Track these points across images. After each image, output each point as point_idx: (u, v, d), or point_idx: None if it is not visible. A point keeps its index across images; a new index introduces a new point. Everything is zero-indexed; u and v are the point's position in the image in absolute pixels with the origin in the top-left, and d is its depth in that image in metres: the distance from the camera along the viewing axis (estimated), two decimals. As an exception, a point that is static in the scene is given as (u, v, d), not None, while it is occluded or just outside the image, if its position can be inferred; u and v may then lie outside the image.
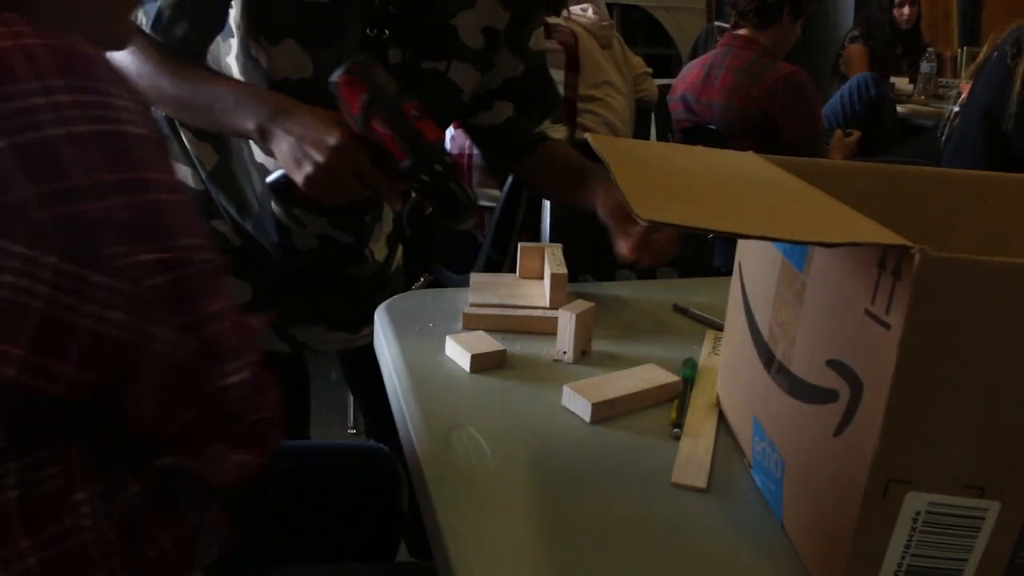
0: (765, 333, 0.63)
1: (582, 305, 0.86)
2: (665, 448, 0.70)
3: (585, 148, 0.75)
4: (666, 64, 4.33)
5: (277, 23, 0.93)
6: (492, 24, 1.03)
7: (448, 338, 0.85)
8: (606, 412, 0.74)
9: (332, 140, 0.84)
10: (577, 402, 0.75)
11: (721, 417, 0.75)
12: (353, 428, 2.19)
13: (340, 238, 1.07)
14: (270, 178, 0.93)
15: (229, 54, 0.97)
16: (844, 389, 0.50)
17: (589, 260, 1.35)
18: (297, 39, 0.93)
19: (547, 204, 1.59)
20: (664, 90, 2.50)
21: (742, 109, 2.11)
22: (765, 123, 2.09)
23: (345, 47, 0.94)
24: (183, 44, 0.93)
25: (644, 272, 1.50)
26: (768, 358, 0.62)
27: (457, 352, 0.83)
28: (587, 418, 0.73)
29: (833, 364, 0.52)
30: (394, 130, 0.84)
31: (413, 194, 0.90)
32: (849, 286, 0.51)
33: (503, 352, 0.84)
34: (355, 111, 0.85)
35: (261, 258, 1.08)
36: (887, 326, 0.46)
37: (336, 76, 0.85)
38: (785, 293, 0.60)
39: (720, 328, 0.90)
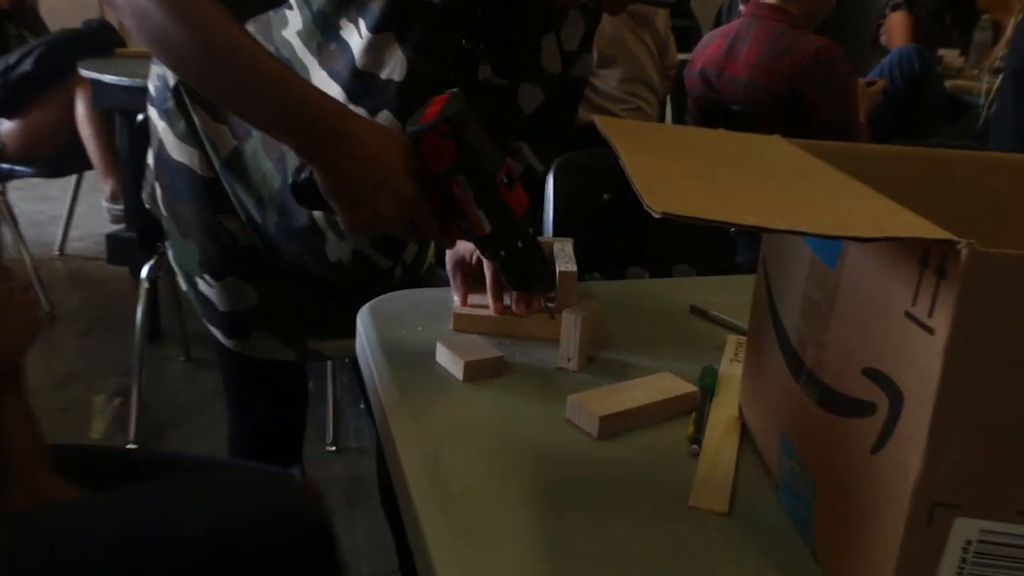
0: (793, 338, 0.63)
1: (589, 307, 0.86)
2: (681, 467, 0.69)
3: (592, 131, 0.75)
4: (684, 37, 4.33)
5: (385, 10, 0.89)
6: (570, 48, 1.04)
7: (439, 343, 0.85)
8: (615, 426, 0.74)
9: (404, 192, 0.80)
10: (583, 415, 0.74)
11: (744, 432, 0.75)
12: (333, 444, 2.19)
13: (378, 260, 1.08)
14: (295, 178, 0.87)
15: (286, 28, 0.95)
16: (882, 401, 0.50)
17: (596, 256, 1.35)
18: (397, 35, 0.90)
19: (549, 195, 1.59)
20: (681, 65, 2.49)
21: (768, 87, 2.11)
22: (794, 103, 2.09)
23: (443, 57, 0.93)
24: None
25: (658, 270, 1.50)
26: (797, 366, 0.62)
27: (449, 359, 0.83)
28: (594, 433, 0.73)
29: (870, 373, 0.52)
30: (480, 202, 0.82)
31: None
32: (887, 286, 0.50)
33: (500, 359, 0.84)
34: (436, 169, 0.81)
35: (273, 261, 1.09)
36: (930, 330, 0.46)
37: (421, 127, 0.80)
38: (815, 293, 0.60)
39: (743, 332, 0.90)
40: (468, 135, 0.80)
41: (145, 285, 2.28)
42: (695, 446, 0.72)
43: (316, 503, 0.93)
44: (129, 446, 2.13)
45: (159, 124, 1.09)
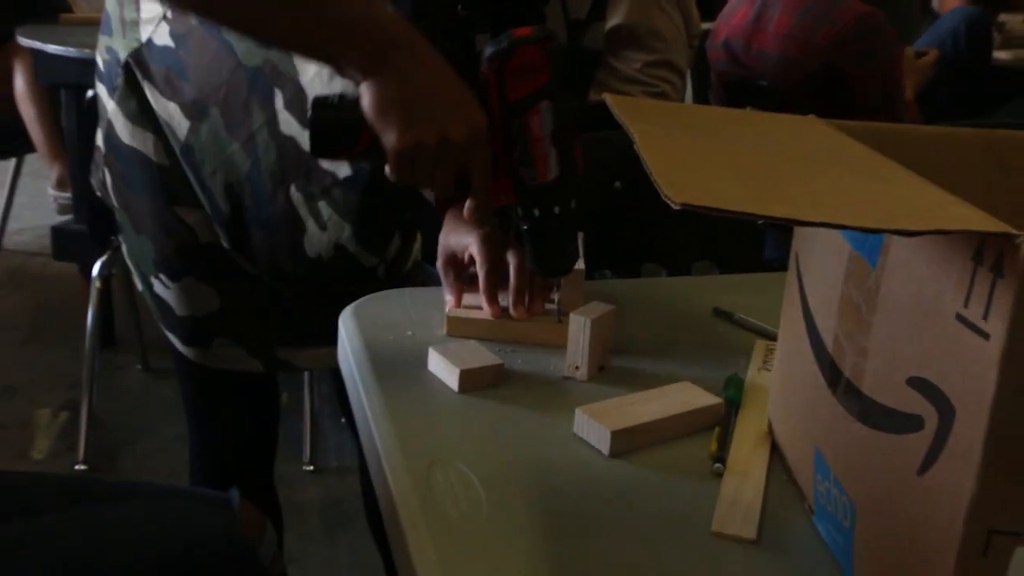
0: (829, 344, 0.63)
1: (599, 308, 0.86)
2: (704, 489, 0.70)
3: (602, 112, 0.75)
4: (707, 3, 4.31)
5: None
6: (578, 16, 1.04)
7: (431, 350, 0.85)
8: (629, 443, 0.74)
9: (475, 119, 0.81)
10: (593, 430, 0.75)
11: (774, 450, 0.75)
12: (310, 464, 2.20)
13: (362, 258, 1.08)
14: (320, 103, 0.84)
15: None
16: (930, 414, 0.50)
17: (607, 252, 1.35)
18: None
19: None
20: (704, 36, 2.48)
21: (801, 61, 2.11)
22: (831, 79, 2.09)
23: (436, 22, 0.94)
24: None
25: (676, 267, 1.50)
26: (833, 375, 0.62)
27: (442, 367, 0.83)
28: (605, 450, 0.74)
29: (916, 383, 0.52)
30: (556, 140, 0.83)
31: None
32: (936, 285, 0.51)
33: (499, 367, 0.84)
34: (517, 95, 0.81)
35: (238, 260, 1.10)
36: (985, 335, 0.46)
37: (519, 40, 0.80)
38: (854, 294, 0.60)
39: (772, 337, 0.90)
40: (558, 65, 0.81)
41: (96, 284, 2.27)
42: (719, 465, 0.72)
43: (246, 533, 0.93)
44: (78, 467, 2.14)
45: (108, 104, 1.10)
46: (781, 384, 0.76)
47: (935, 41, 2.96)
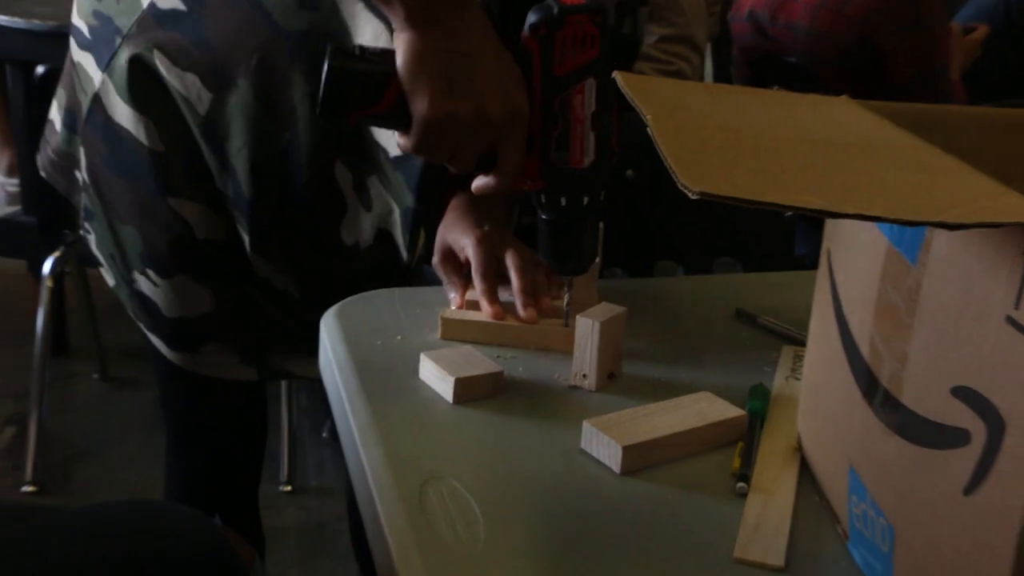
0: (865, 349, 0.64)
1: (609, 310, 0.86)
2: (725, 510, 0.70)
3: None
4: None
5: None
6: None
7: (423, 356, 0.85)
8: (642, 459, 0.75)
9: (516, 98, 0.82)
10: (602, 445, 0.75)
11: (804, 467, 0.76)
12: (287, 484, 2.20)
13: (403, 246, 1.06)
14: (338, 50, 0.83)
15: None
16: (978, 428, 0.51)
17: (618, 247, 1.36)
18: None
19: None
20: (725, 7, 2.49)
21: (834, 34, 2.11)
22: (867, 54, 2.09)
23: None
24: None
25: (695, 264, 1.50)
26: (869, 384, 0.63)
27: (435, 375, 0.84)
28: (616, 467, 0.74)
29: (961, 393, 0.52)
30: (594, 125, 0.83)
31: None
32: (984, 284, 0.51)
33: (499, 375, 0.84)
34: (563, 70, 0.82)
35: (254, 258, 1.09)
36: (1038, 340, 0.46)
37: (570, 8, 0.81)
38: (892, 294, 0.60)
39: (801, 343, 0.90)
40: (607, 38, 0.82)
41: (48, 283, 2.27)
42: (742, 484, 0.72)
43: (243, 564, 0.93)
44: (25, 488, 2.13)
45: (96, 76, 1.08)
46: (811, 394, 0.76)
47: (981, 14, 2.96)
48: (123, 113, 1.06)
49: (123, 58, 1.04)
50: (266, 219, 1.07)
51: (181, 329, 1.14)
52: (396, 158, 1.01)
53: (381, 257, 1.08)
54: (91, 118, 1.10)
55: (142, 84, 1.04)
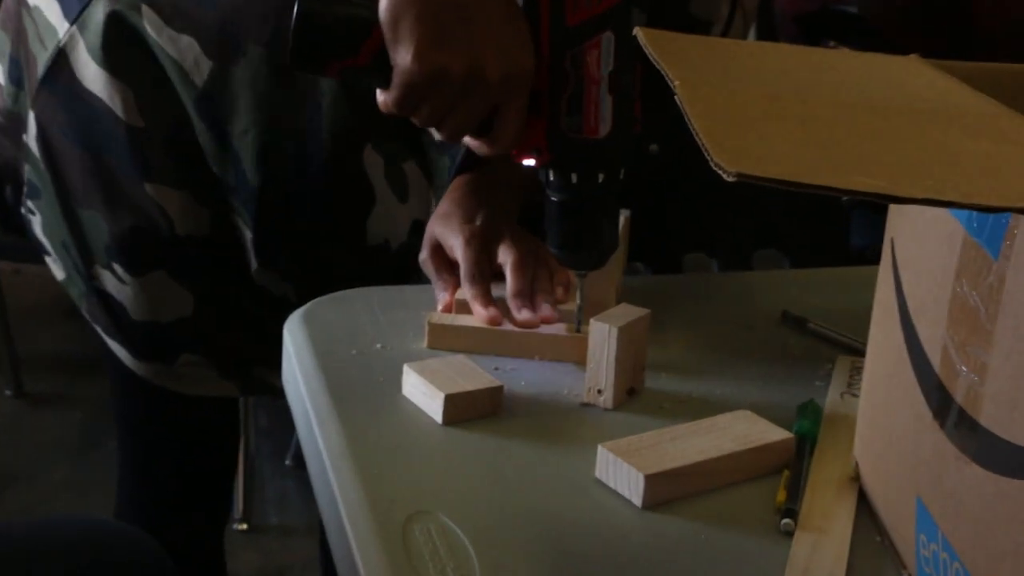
0: (936, 360, 0.64)
1: (629, 313, 0.86)
2: (769, 550, 0.70)
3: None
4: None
5: None
6: None
7: (407, 368, 0.85)
8: (668, 491, 0.75)
9: (520, 58, 0.82)
10: (621, 474, 0.75)
11: (862, 500, 0.76)
12: (243, 521, 2.20)
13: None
14: None
15: None
16: (1067, 453, 0.51)
17: (641, 237, 1.36)
18: None
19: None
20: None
21: (901, -19, 2.11)
22: (943, 2, 2.09)
23: None
24: None
25: (732, 259, 1.50)
26: (941, 401, 0.63)
27: (422, 391, 0.84)
28: (637, 500, 0.74)
29: (1049, 411, 0.52)
30: (612, 87, 0.84)
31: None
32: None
33: (497, 390, 0.84)
34: (576, 19, 0.83)
35: (231, 250, 1.09)
36: None
37: None
38: (970, 293, 0.60)
39: (860, 352, 0.91)
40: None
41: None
42: (788, 521, 0.73)
43: None
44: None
45: (60, 27, 1.06)
46: (871, 413, 0.76)
47: None
48: (94, 77, 1.06)
49: (99, 12, 1.03)
50: (274, 213, 1.07)
51: (152, 335, 1.14)
52: (442, 140, 1.01)
53: (413, 252, 1.08)
54: (50, 77, 1.09)
55: (121, 45, 1.04)
